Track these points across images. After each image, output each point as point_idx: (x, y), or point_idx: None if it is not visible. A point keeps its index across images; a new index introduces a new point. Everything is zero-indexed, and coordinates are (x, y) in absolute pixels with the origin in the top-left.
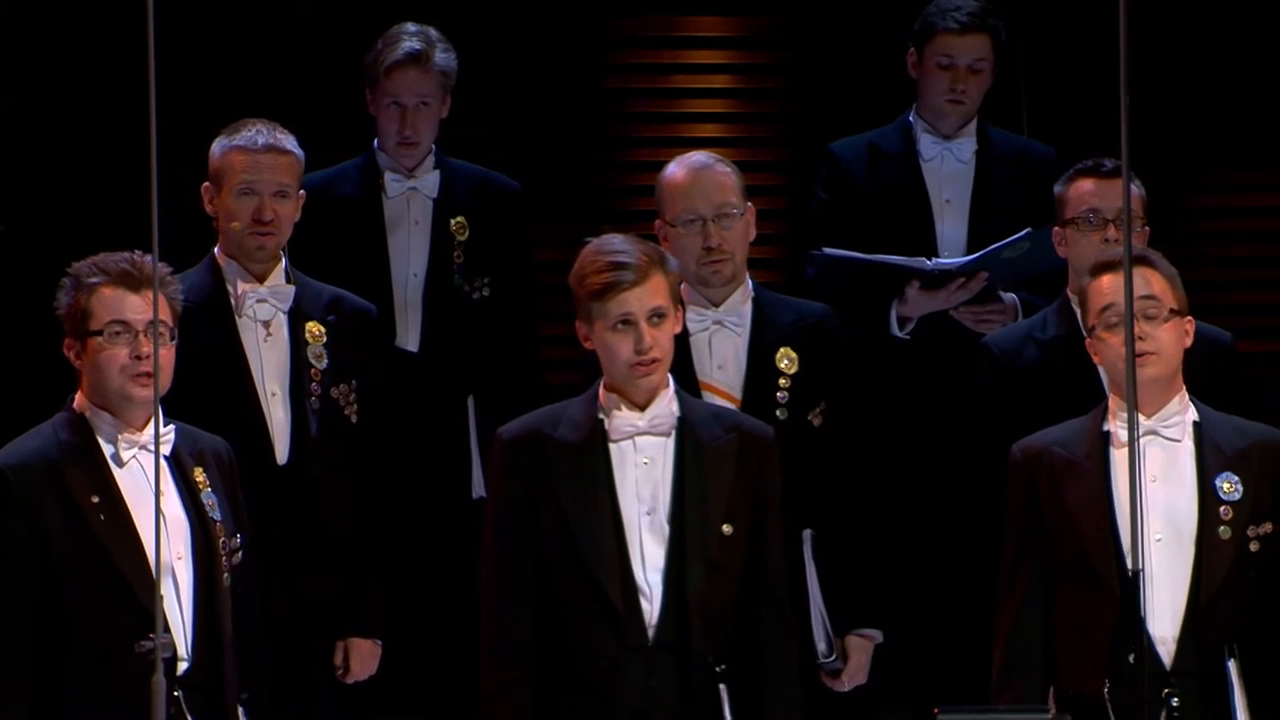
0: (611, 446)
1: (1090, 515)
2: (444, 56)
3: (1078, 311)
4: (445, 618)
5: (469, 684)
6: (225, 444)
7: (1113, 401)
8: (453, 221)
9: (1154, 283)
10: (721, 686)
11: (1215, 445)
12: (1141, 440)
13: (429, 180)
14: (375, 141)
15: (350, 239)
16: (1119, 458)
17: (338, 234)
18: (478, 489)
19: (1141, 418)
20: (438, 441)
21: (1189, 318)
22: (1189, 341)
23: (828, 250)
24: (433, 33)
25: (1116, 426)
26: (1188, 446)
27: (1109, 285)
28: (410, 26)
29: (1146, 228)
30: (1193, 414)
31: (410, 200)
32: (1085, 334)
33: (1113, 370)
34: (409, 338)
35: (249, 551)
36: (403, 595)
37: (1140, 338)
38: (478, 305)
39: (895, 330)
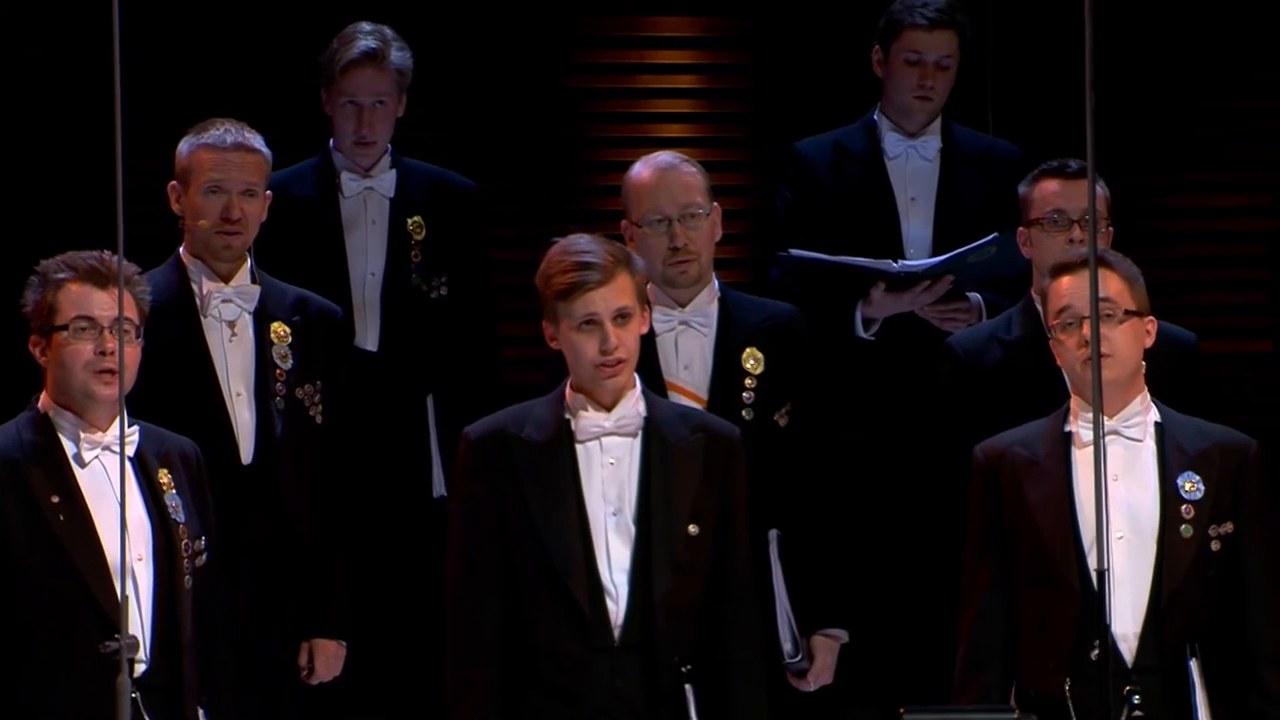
0: (578, 447)
1: (1052, 515)
2: (400, 55)
3: (1041, 312)
4: (406, 618)
5: (432, 684)
6: (194, 445)
7: (1074, 402)
8: (409, 221)
9: (1110, 284)
10: (687, 687)
11: (1177, 445)
12: (1102, 440)
13: (385, 180)
14: (331, 141)
15: (307, 239)
16: (1080, 458)
17: (295, 234)
18: (438, 488)
19: (1103, 418)
20: (398, 441)
21: (1150, 318)
22: (1149, 342)
23: (794, 251)
24: (388, 31)
25: (1079, 427)
26: (1149, 446)
27: (1066, 287)
28: (365, 26)
29: (1111, 228)
30: (1154, 414)
31: (367, 200)
32: (1048, 335)
33: (1071, 372)
34: (368, 337)
35: (214, 553)
36: (364, 596)
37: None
38: (435, 305)
39: (860, 331)
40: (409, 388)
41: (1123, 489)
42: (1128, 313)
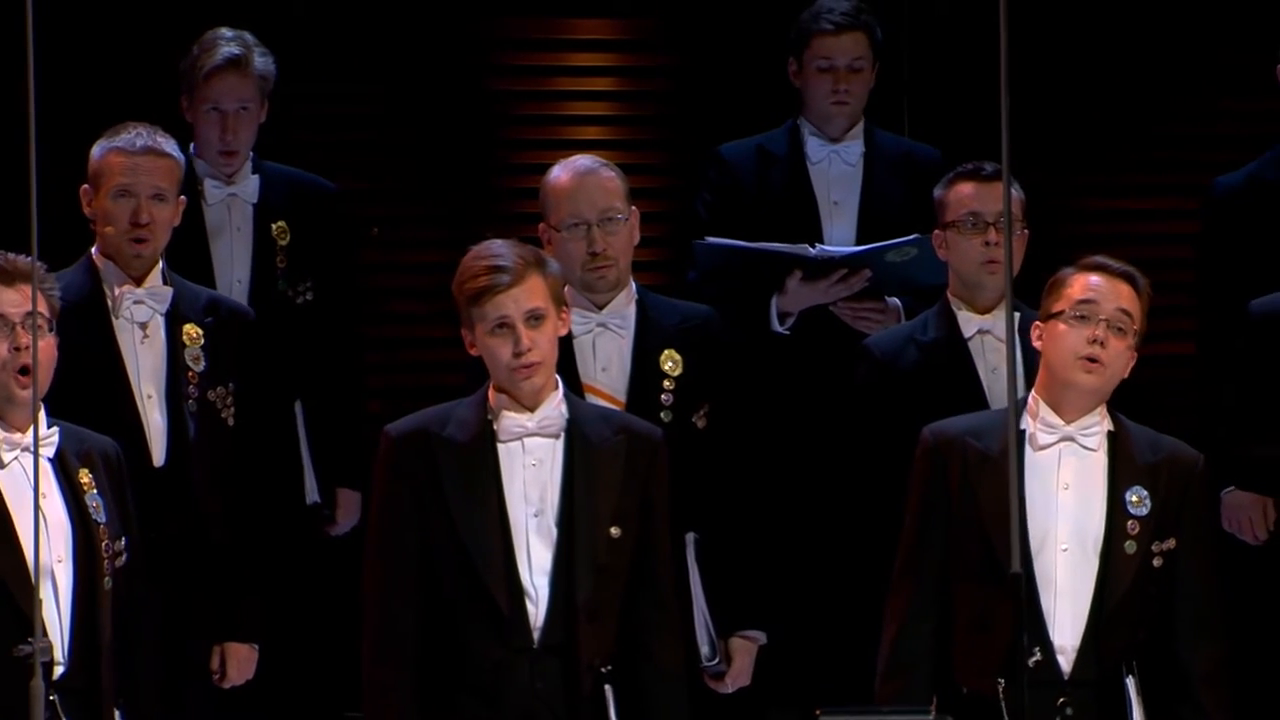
0: (500, 447)
1: (1002, 515)
2: (262, 61)
3: (958, 314)
4: (287, 622)
5: (323, 689)
6: (114, 445)
7: (1036, 401)
8: (274, 226)
9: (1134, 303)
10: (607, 688)
11: (1128, 457)
12: (1057, 445)
13: (248, 185)
14: (192, 148)
15: (173, 248)
16: (1036, 459)
17: None
18: (311, 495)
19: (1060, 422)
20: (270, 446)
21: (1136, 353)
22: (1126, 374)
23: (709, 240)
24: (249, 37)
25: (1036, 427)
26: (1101, 457)
27: (1100, 286)
28: (226, 32)
29: (1026, 231)
30: (1109, 424)
31: (231, 206)
32: (1041, 317)
33: (1064, 366)
34: None
35: (134, 554)
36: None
37: (1101, 344)
38: (301, 310)
39: (776, 325)
40: (278, 394)
41: (1071, 499)
42: (1136, 334)
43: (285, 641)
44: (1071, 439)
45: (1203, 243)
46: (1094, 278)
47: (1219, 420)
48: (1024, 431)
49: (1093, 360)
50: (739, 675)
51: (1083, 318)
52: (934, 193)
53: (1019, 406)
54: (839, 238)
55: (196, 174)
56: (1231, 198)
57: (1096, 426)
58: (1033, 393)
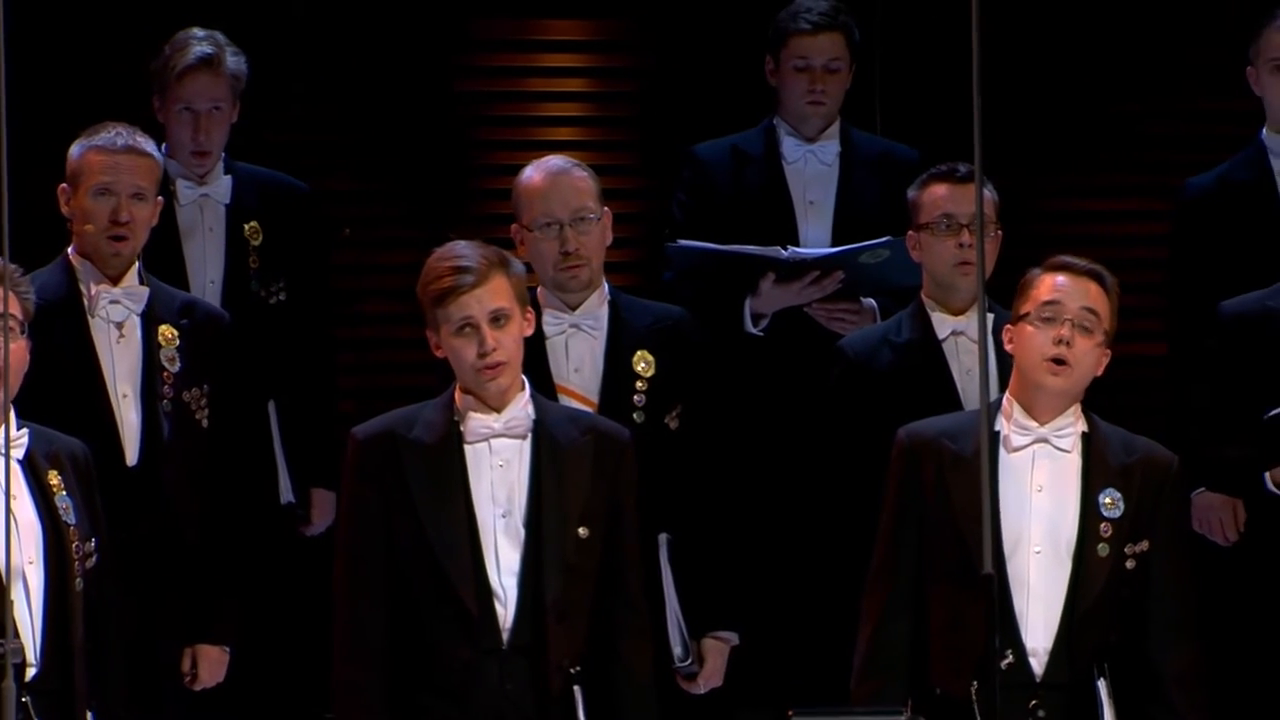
0: (467, 448)
1: (976, 516)
2: (234, 60)
3: (932, 315)
4: (262, 624)
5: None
6: (83, 446)
7: (1010, 402)
8: (246, 227)
9: (1101, 301)
10: (576, 689)
11: (1102, 459)
12: (1031, 447)
13: (221, 186)
14: (164, 148)
15: (146, 249)
16: (1009, 461)
17: None
18: (285, 495)
19: (1034, 424)
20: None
21: (1108, 351)
22: (1100, 372)
23: (682, 242)
24: (221, 37)
25: (1010, 429)
26: (1075, 459)
27: (1064, 286)
28: (198, 31)
29: (999, 232)
30: (1083, 425)
31: (203, 207)
32: (1012, 320)
33: (1034, 369)
34: None
35: (104, 555)
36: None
37: (1068, 344)
38: (274, 310)
39: (749, 327)
40: (252, 394)
41: (1045, 501)
42: (1105, 334)
43: (260, 642)
44: (1045, 440)
45: (1174, 243)
46: (1059, 278)
47: (1189, 421)
48: (998, 433)
49: (1059, 362)
50: (711, 676)
51: (1048, 319)
52: (908, 194)
53: (993, 408)
54: (814, 237)
55: (169, 174)
56: (1202, 198)
57: (1070, 428)
58: (1006, 394)
